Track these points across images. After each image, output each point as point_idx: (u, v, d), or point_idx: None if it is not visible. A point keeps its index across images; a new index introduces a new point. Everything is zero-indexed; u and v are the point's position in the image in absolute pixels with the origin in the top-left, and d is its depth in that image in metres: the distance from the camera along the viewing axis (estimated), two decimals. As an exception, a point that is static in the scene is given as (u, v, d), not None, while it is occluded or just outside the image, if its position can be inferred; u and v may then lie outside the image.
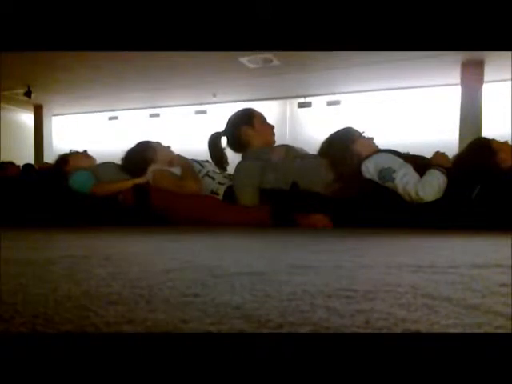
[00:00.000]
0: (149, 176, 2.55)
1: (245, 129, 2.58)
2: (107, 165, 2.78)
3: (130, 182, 2.55)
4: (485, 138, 2.36)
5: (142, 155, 2.64)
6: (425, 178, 2.09)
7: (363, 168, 2.23)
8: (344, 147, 2.34)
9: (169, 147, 2.79)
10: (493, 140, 2.27)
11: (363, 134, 2.40)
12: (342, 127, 2.48)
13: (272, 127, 2.68)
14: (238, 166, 2.48)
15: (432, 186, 2.06)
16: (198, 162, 2.69)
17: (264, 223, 2.19)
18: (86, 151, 3.02)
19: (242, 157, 2.56)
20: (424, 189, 2.06)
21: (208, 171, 2.62)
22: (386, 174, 2.14)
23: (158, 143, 2.77)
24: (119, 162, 2.76)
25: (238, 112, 2.69)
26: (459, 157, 2.33)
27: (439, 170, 2.11)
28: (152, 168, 2.58)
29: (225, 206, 2.42)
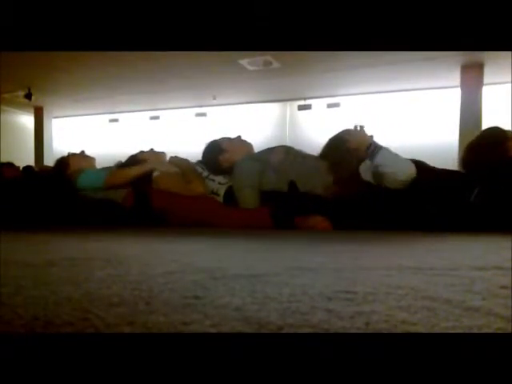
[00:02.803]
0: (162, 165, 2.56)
1: (221, 158, 2.58)
2: (111, 168, 2.78)
3: (144, 167, 2.56)
4: (500, 128, 2.37)
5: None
6: (385, 163, 2.09)
7: (361, 170, 2.23)
8: (340, 149, 2.35)
9: (163, 152, 2.81)
10: (508, 130, 2.30)
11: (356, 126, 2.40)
12: (340, 130, 2.49)
13: (239, 137, 2.70)
14: (237, 167, 2.46)
15: (398, 163, 2.07)
16: (199, 164, 2.69)
17: (264, 225, 2.19)
18: (83, 151, 3.03)
19: (241, 159, 2.55)
20: (397, 171, 2.06)
21: (208, 174, 2.62)
22: (378, 171, 2.15)
23: (150, 151, 2.79)
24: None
25: (205, 150, 2.69)
26: (471, 144, 2.35)
27: (374, 148, 2.13)
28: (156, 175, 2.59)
29: (224, 207, 2.42)
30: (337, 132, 2.49)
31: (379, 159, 2.12)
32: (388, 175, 2.09)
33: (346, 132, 2.44)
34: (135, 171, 2.58)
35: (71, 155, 2.98)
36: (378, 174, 2.15)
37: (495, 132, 2.34)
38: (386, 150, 2.17)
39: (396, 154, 2.15)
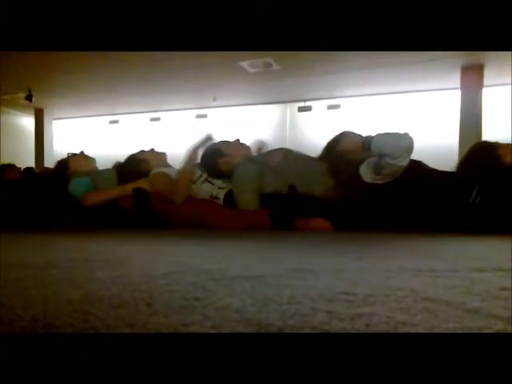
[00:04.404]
0: (137, 184, 2.55)
1: (220, 162, 2.58)
2: (107, 173, 2.77)
3: (118, 190, 2.54)
4: (486, 140, 2.42)
5: (134, 169, 2.64)
6: (381, 146, 2.08)
7: (361, 172, 2.23)
8: (338, 152, 2.35)
9: (164, 153, 2.80)
10: (494, 142, 2.32)
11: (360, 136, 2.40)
12: (339, 132, 2.49)
13: (238, 140, 2.70)
14: (237, 171, 2.47)
15: (393, 139, 2.05)
16: (198, 167, 2.69)
17: (264, 227, 2.19)
18: (82, 152, 3.03)
19: (241, 162, 2.56)
20: (395, 146, 2.03)
21: (208, 177, 2.62)
22: (379, 159, 2.14)
23: (150, 151, 2.78)
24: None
25: (204, 154, 2.68)
26: (462, 160, 2.37)
27: (369, 141, 2.12)
28: (152, 172, 2.59)
29: (224, 209, 2.42)
30: (334, 135, 2.50)
31: (374, 146, 2.11)
32: (389, 154, 2.04)
33: (343, 135, 2.45)
34: (113, 193, 2.55)
35: (71, 156, 2.98)
36: (380, 164, 2.11)
37: (484, 145, 2.38)
38: (377, 135, 2.15)
39: (388, 133, 2.13)
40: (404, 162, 2.07)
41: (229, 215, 2.35)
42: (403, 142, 2.05)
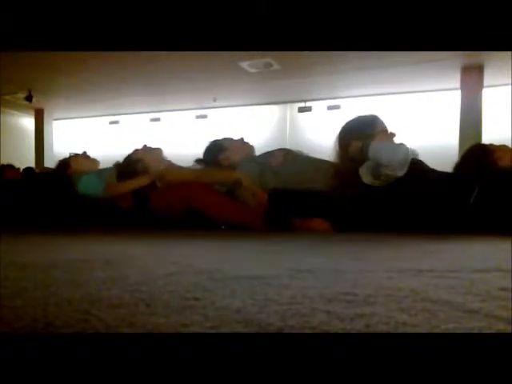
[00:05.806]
0: (154, 173, 2.55)
1: (221, 157, 2.58)
2: (110, 169, 2.77)
3: (144, 179, 2.54)
4: (480, 143, 2.43)
5: (130, 169, 2.63)
6: (377, 154, 2.06)
7: (360, 173, 2.23)
8: (339, 150, 2.35)
9: (159, 149, 2.77)
10: (489, 144, 2.33)
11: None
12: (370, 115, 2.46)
13: (242, 139, 2.71)
14: (238, 169, 2.48)
15: (389, 149, 2.03)
16: (199, 163, 2.69)
17: (257, 223, 2.18)
18: (85, 152, 3.02)
19: (241, 161, 2.56)
20: (391, 156, 2.01)
21: None
22: (375, 166, 2.13)
23: (144, 149, 2.75)
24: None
25: (206, 149, 2.69)
26: (458, 163, 2.38)
27: (367, 146, 2.09)
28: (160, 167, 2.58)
29: (222, 196, 2.39)
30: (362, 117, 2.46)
31: (371, 154, 2.10)
32: (384, 163, 2.03)
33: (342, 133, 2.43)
34: (134, 184, 2.55)
35: (73, 156, 2.98)
36: (378, 171, 2.11)
37: (479, 148, 2.38)
38: (374, 143, 2.13)
39: (384, 142, 2.12)
40: (401, 173, 2.07)
41: (226, 203, 2.32)
42: (398, 154, 2.03)
